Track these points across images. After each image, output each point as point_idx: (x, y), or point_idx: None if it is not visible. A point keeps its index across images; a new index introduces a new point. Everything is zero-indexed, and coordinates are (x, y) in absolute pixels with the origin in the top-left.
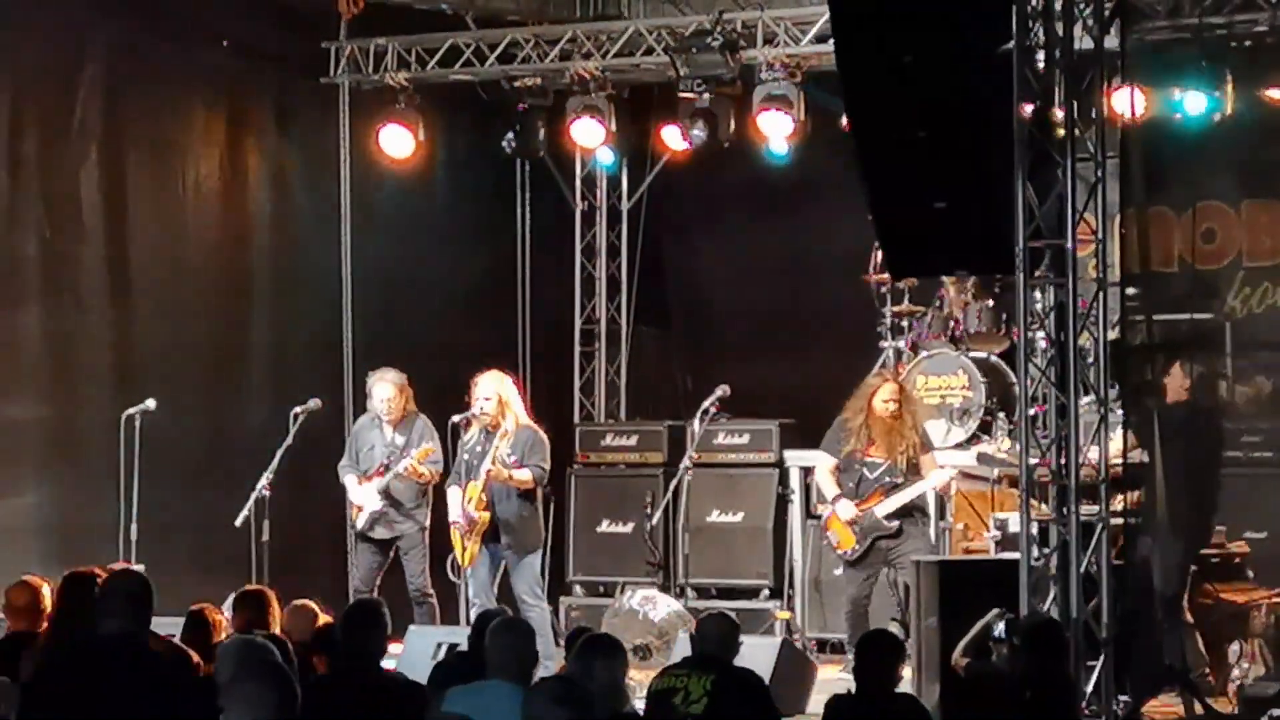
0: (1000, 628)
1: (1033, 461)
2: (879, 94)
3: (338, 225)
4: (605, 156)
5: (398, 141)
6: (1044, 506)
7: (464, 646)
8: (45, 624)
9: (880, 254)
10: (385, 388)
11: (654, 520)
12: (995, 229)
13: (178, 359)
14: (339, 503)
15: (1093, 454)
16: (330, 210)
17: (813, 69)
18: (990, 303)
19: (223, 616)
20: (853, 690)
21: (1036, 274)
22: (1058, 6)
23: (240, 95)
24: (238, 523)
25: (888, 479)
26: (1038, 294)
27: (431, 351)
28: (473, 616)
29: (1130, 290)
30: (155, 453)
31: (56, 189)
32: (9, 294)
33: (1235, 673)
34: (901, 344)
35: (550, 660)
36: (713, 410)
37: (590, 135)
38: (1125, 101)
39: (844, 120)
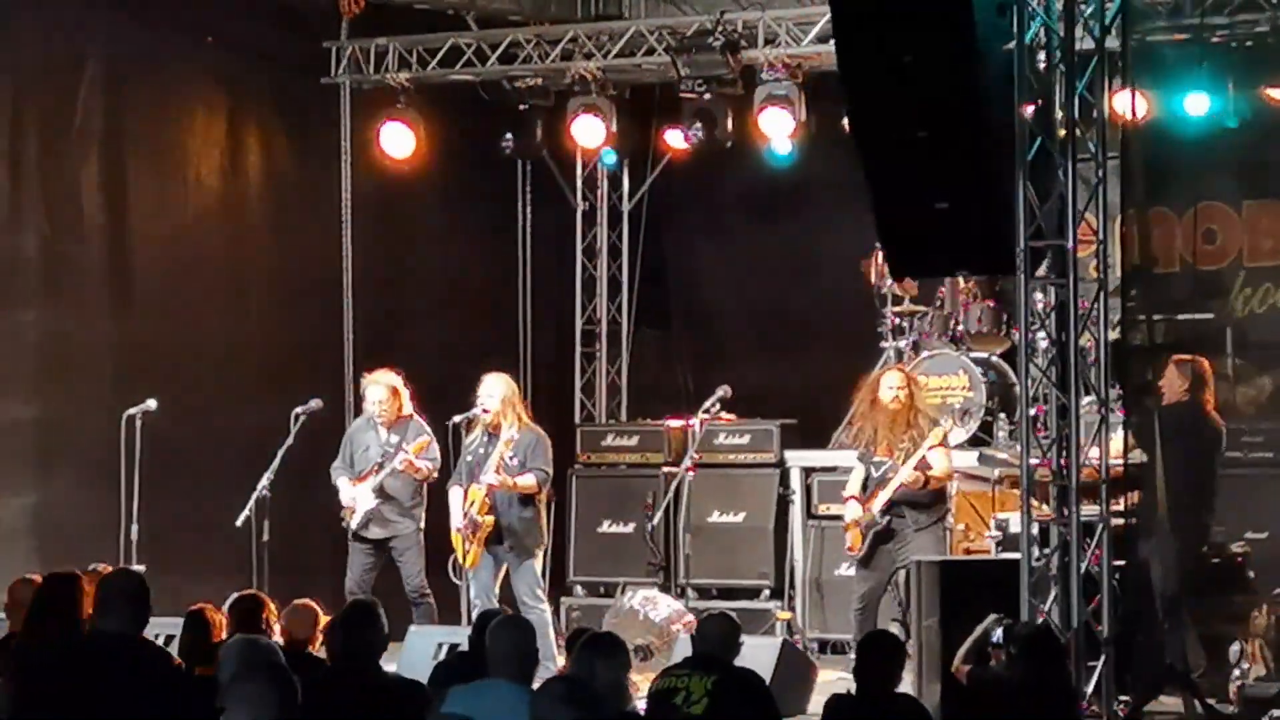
0: (998, 633)
1: (1033, 462)
2: (879, 94)
3: (338, 225)
4: (609, 157)
5: (398, 142)
6: (1045, 507)
7: (465, 646)
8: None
9: (881, 255)
10: (378, 389)
11: (655, 521)
12: (996, 229)
13: (178, 359)
14: (339, 503)
15: (1093, 454)
16: (331, 210)
17: (814, 69)
18: (991, 303)
19: (222, 616)
20: (853, 690)
21: (1037, 274)
22: (1059, 6)
23: (241, 95)
24: (238, 523)
25: (889, 474)
26: (1039, 294)
27: (432, 352)
28: (474, 617)
29: (1131, 291)
30: (155, 453)
31: (57, 189)
32: (9, 294)
33: (1236, 673)
34: (902, 344)
35: (551, 661)
36: (714, 411)
37: (591, 135)
38: (1126, 102)
39: (845, 121)
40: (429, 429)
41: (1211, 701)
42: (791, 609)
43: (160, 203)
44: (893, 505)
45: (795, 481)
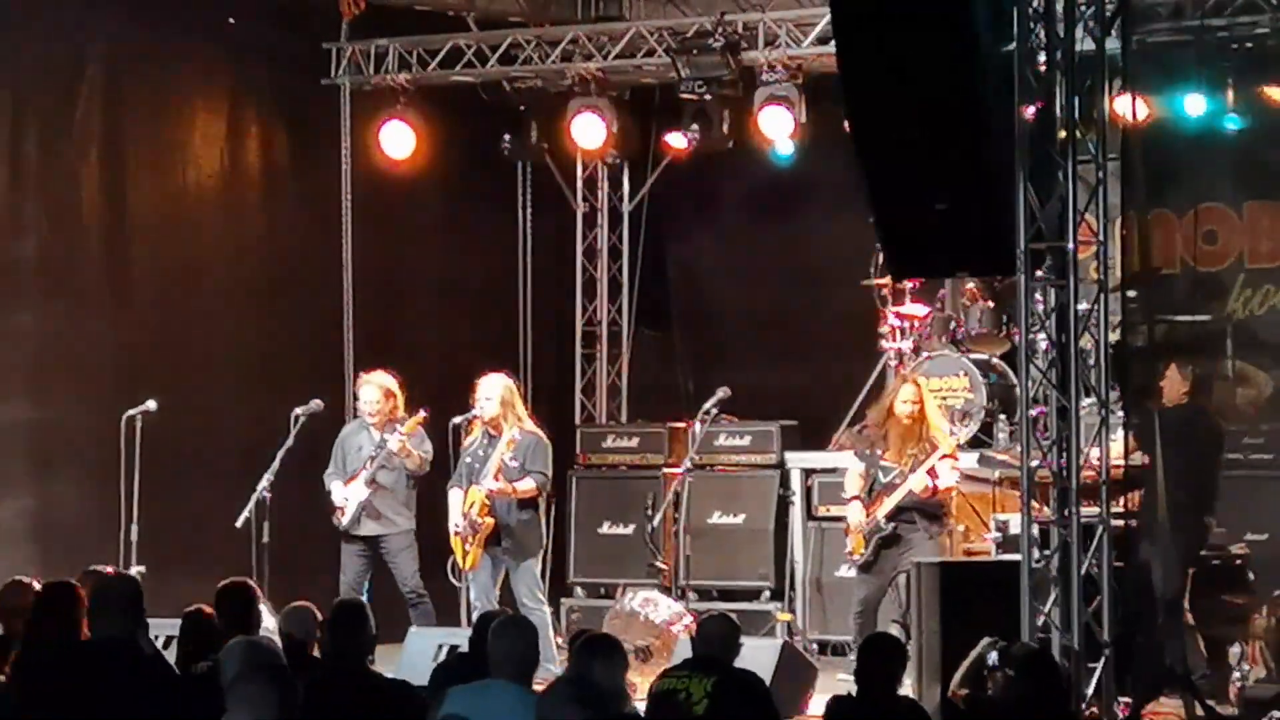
0: (994, 656)
1: (1034, 463)
2: (879, 94)
3: (338, 226)
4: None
5: (399, 143)
6: (1045, 508)
7: (465, 648)
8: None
9: (882, 256)
10: (371, 389)
11: (655, 522)
12: (996, 230)
13: (178, 359)
14: (333, 505)
15: (1094, 456)
16: (331, 211)
17: (814, 71)
18: (991, 304)
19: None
20: (854, 692)
21: (1038, 276)
22: (1059, 8)
23: (241, 96)
24: (238, 524)
25: (895, 481)
26: (1039, 296)
27: (432, 352)
28: (474, 619)
29: (1131, 292)
30: (155, 454)
31: (56, 189)
32: (9, 294)
33: (1236, 675)
34: (903, 346)
35: (551, 663)
36: (714, 412)
37: (591, 136)
38: (1127, 104)
39: (845, 121)
40: (423, 431)
41: (1211, 703)
42: (792, 610)
43: (160, 203)
44: (900, 511)
45: (795, 483)
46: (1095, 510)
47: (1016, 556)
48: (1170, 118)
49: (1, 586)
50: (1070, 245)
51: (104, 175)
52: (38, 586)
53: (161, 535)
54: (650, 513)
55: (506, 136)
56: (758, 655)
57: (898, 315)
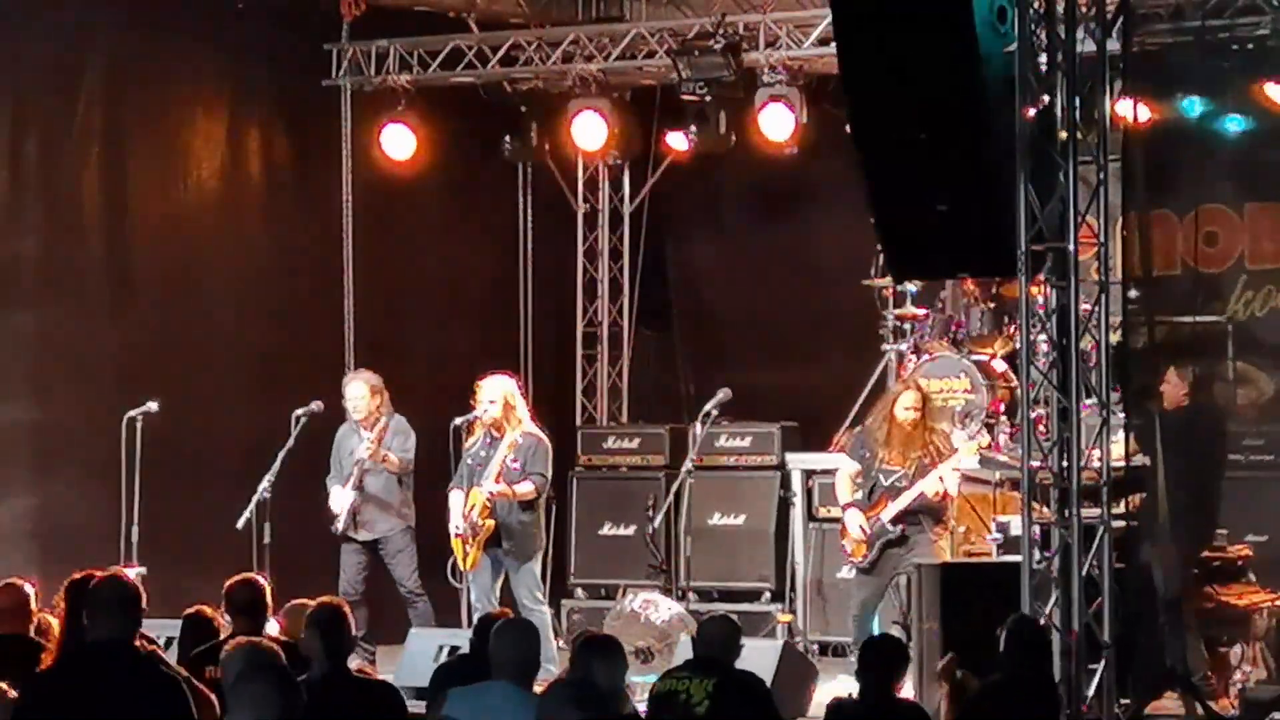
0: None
1: (1034, 464)
2: (879, 95)
3: (339, 228)
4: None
5: (399, 144)
6: (1046, 509)
7: (465, 649)
8: (33, 627)
9: (882, 257)
10: (357, 386)
11: (655, 523)
12: (996, 231)
13: (178, 360)
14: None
15: (1095, 457)
16: (332, 212)
17: (814, 72)
18: (992, 305)
19: (223, 618)
20: (854, 694)
21: (1038, 277)
22: (1060, 9)
23: (242, 97)
24: (239, 525)
25: (899, 484)
26: (1039, 297)
27: (432, 353)
28: (474, 620)
29: (1132, 293)
30: (156, 455)
31: (57, 189)
32: (9, 295)
33: (1237, 676)
34: (903, 347)
35: (552, 664)
36: (715, 413)
37: (592, 137)
38: (1128, 106)
39: (846, 122)
40: (407, 425)
41: (1212, 704)
42: (792, 611)
43: (160, 204)
44: (907, 515)
45: (796, 484)
46: (1096, 511)
47: (1017, 558)
48: (1171, 119)
49: None
50: (1071, 246)
51: (104, 175)
52: (24, 586)
53: (162, 536)
54: (651, 514)
55: (507, 137)
56: (758, 656)
57: (898, 316)
